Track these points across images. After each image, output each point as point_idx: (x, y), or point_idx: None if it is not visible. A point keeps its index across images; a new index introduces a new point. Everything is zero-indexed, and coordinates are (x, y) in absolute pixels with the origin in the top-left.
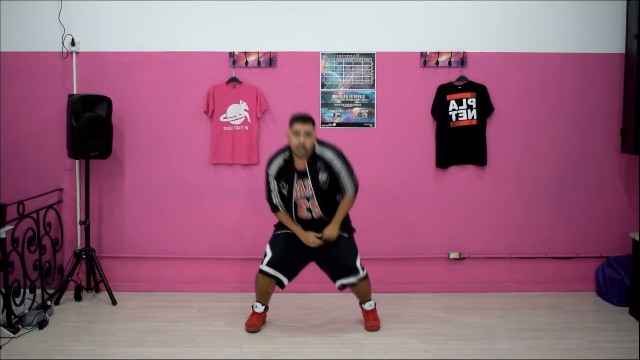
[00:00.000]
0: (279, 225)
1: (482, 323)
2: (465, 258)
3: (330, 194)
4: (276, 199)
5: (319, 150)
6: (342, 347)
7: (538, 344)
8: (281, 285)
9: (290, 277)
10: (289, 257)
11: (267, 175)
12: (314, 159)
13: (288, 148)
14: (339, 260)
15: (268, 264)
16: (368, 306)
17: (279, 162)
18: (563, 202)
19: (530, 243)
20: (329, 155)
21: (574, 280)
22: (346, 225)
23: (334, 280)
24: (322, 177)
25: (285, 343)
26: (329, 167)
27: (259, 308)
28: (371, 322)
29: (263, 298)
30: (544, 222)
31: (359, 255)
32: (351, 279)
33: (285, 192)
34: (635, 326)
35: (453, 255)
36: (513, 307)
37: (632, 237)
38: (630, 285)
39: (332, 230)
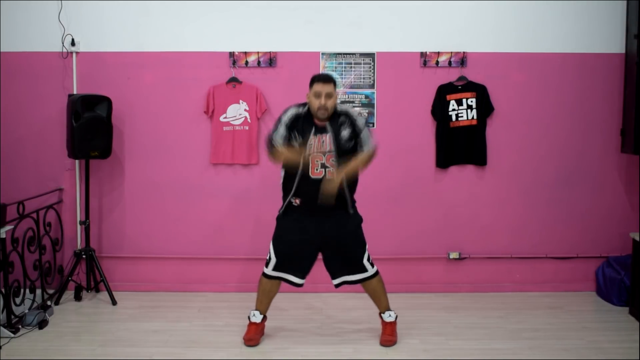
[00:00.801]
0: (282, 217)
1: (482, 323)
2: (465, 258)
3: (348, 152)
4: (279, 141)
5: (340, 108)
6: (342, 347)
7: (538, 344)
8: (295, 284)
9: (303, 275)
10: (296, 256)
11: (279, 120)
12: (336, 116)
13: (306, 105)
14: (351, 255)
15: (274, 269)
16: (388, 317)
17: (296, 111)
18: (563, 202)
19: (530, 243)
20: (353, 112)
21: (574, 280)
22: (355, 213)
23: (336, 276)
24: (345, 133)
25: (285, 343)
26: (352, 125)
27: (257, 317)
28: (387, 336)
29: (264, 301)
30: (543, 222)
31: (367, 250)
32: (356, 277)
33: (295, 144)
34: (635, 326)
35: (453, 255)
36: (513, 307)
37: (632, 237)
38: (630, 285)
39: (332, 184)
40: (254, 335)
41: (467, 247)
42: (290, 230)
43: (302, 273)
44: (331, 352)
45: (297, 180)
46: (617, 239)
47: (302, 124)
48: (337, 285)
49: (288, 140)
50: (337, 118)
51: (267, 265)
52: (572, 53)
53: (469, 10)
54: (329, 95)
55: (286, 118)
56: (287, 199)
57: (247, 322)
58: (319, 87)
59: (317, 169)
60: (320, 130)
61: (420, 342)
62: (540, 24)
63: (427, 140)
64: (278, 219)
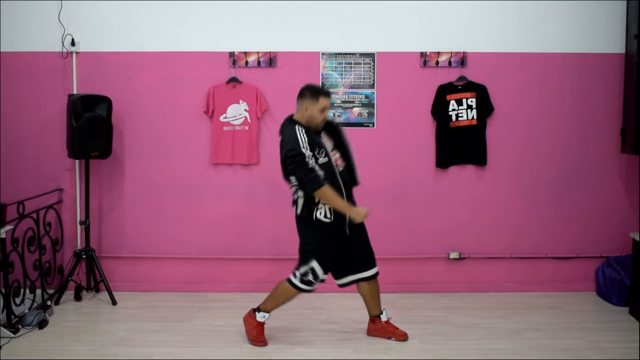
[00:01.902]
0: (320, 227)
1: (482, 323)
2: (465, 258)
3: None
4: (319, 172)
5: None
6: (342, 347)
7: (538, 344)
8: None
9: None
10: (332, 263)
11: (299, 154)
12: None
13: (296, 122)
14: (365, 247)
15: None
16: (385, 316)
17: (302, 132)
18: (563, 202)
19: (530, 243)
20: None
21: (574, 280)
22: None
23: (349, 273)
24: (336, 135)
25: (285, 343)
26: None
27: (266, 317)
28: (400, 331)
29: (279, 306)
30: (544, 222)
31: None
32: (370, 272)
33: (323, 159)
34: (635, 326)
35: (453, 255)
36: (513, 307)
37: (632, 237)
38: (630, 285)
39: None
40: (263, 335)
41: (467, 247)
42: (329, 243)
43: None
44: (331, 352)
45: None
46: (617, 239)
47: (314, 140)
48: (347, 284)
49: (316, 161)
50: (329, 124)
51: (309, 281)
52: (572, 53)
53: (469, 10)
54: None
55: (304, 144)
56: (320, 212)
57: (254, 322)
58: (326, 102)
59: (340, 169)
60: (322, 139)
61: (420, 342)
62: (540, 24)
63: (427, 140)
64: (317, 235)
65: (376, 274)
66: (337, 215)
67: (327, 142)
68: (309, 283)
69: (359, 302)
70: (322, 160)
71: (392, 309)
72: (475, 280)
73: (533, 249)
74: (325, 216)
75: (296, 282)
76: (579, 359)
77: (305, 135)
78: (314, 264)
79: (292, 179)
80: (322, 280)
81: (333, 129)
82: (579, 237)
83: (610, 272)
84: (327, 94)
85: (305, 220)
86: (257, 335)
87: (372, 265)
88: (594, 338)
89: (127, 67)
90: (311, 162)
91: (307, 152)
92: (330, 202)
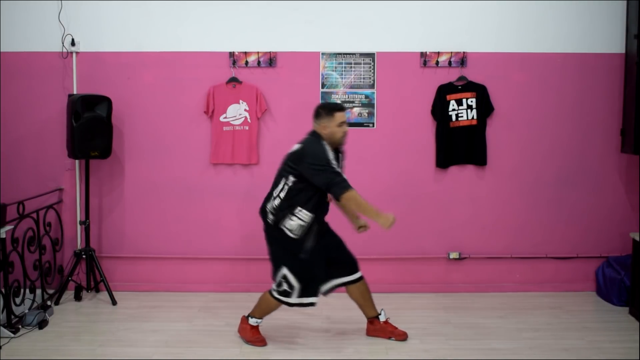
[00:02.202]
0: (285, 241)
1: (482, 323)
2: (465, 258)
3: None
4: (344, 178)
5: None
6: (342, 347)
7: (538, 344)
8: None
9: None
10: (317, 276)
11: (327, 160)
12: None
13: (319, 136)
14: (341, 252)
15: (300, 296)
16: (384, 316)
17: (328, 148)
18: (563, 202)
19: (530, 243)
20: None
21: (574, 280)
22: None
23: (331, 278)
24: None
25: (285, 343)
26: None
27: (259, 321)
28: (399, 330)
29: (267, 314)
30: (544, 222)
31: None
32: (354, 276)
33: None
34: (635, 326)
35: (453, 255)
36: (513, 307)
37: (632, 237)
38: (630, 285)
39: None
40: (261, 335)
41: (467, 247)
42: (311, 256)
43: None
44: (331, 352)
45: (321, 204)
46: (617, 239)
47: (336, 156)
48: (331, 289)
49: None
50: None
51: (288, 294)
52: (572, 53)
53: (469, 10)
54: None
55: (330, 156)
56: (310, 223)
57: (247, 326)
58: (342, 116)
59: None
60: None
61: (420, 342)
62: (540, 24)
63: (427, 140)
64: (301, 246)
65: (361, 277)
66: (305, 235)
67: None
68: (284, 293)
69: None
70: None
71: (392, 308)
72: (475, 280)
73: (533, 249)
74: (292, 232)
75: (274, 294)
76: (579, 359)
77: (330, 153)
78: (285, 271)
79: (291, 178)
80: (305, 296)
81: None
82: (579, 237)
83: (610, 272)
84: (342, 109)
85: (272, 229)
86: (253, 335)
87: (355, 269)
88: (594, 338)
89: (127, 67)
90: (337, 169)
91: (334, 162)
92: (361, 205)
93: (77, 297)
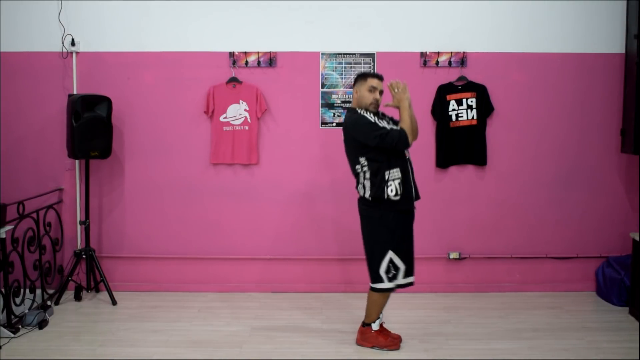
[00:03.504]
0: (390, 217)
1: (482, 323)
2: (465, 258)
3: None
4: (393, 126)
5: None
6: (342, 347)
7: (538, 344)
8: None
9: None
10: (412, 254)
11: (372, 123)
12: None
13: (354, 109)
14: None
15: (406, 275)
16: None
17: (364, 112)
18: (563, 202)
19: (530, 243)
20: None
21: (574, 280)
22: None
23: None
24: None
25: (285, 343)
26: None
27: (379, 320)
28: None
29: (382, 310)
30: (544, 222)
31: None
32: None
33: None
34: (635, 326)
35: (453, 255)
36: (513, 307)
37: (632, 237)
38: (630, 285)
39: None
40: (391, 335)
41: (467, 247)
42: (406, 231)
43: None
44: (331, 352)
45: (399, 156)
46: (617, 239)
47: (381, 116)
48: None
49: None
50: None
51: (395, 277)
52: (572, 53)
53: (469, 10)
54: (381, 92)
55: (369, 119)
56: (403, 176)
57: (372, 333)
58: (375, 82)
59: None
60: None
61: (420, 342)
62: (540, 24)
63: (427, 140)
64: (389, 220)
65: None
66: (405, 190)
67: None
68: (393, 278)
69: (359, 302)
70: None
71: (393, 308)
72: (475, 280)
73: (533, 249)
74: (396, 194)
75: (378, 286)
76: (578, 359)
77: (368, 113)
78: (391, 255)
79: (362, 160)
80: (408, 276)
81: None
82: (579, 237)
83: (610, 272)
84: (377, 76)
85: (374, 203)
86: (386, 339)
87: None
88: (594, 338)
89: (127, 67)
90: (387, 125)
91: (380, 123)
92: (412, 122)
93: (77, 297)
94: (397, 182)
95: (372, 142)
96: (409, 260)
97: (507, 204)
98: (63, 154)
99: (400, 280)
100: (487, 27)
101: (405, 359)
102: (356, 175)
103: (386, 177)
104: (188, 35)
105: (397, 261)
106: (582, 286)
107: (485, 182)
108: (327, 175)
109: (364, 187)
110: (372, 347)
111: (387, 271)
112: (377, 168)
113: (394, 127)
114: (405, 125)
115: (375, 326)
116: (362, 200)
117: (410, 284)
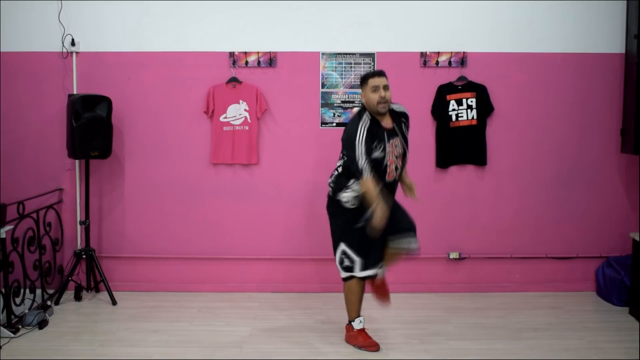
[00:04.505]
0: (341, 213)
1: (482, 323)
2: (465, 258)
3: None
4: (366, 164)
5: (393, 105)
6: (342, 347)
7: (538, 344)
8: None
9: (381, 265)
10: (374, 248)
11: (357, 139)
12: (395, 114)
13: (364, 110)
14: (403, 215)
15: (363, 269)
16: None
17: (366, 122)
18: (563, 202)
19: (530, 243)
20: (403, 108)
21: (574, 280)
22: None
23: (397, 239)
24: (405, 130)
25: (286, 343)
26: (406, 123)
27: (362, 322)
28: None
29: (359, 306)
30: (543, 222)
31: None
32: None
33: (378, 154)
34: (635, 326)
35: (453, 255)
36: (513, 307)
37: (632, 237)
38: (630, 285)
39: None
40: (371, 338)
41: (467, 247)
42: (359, 226)
43: (380, 262)
44: (331, 352)
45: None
46: (617, 239)
47: (377, 132)
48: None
49: (370, 155)
50: (398, 118)
51: (351, 268)
52: (572, 53)
53: (469, 10)
54: (386, 88)
55: (363, 132)
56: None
57: (353, 332)
58: (375, 81)
59: (392, 172)
60: (392, 134)
61: (420, 342)
62: (540, 24)
63: (427, 140)
64: (359, 215)
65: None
66: (362, 207)
67: (398, 136)
68: (348, 269)
69: None
70: (376, 154)
71: (392, 308)
72: (475, 280)
73: (533, 249)
74: (347, 201)
75: (342, 275)
76: (578, 359)
77: (365, 130)
78: (344, 247)
79: (343, 158)
80: (366, 270)
81: (400, 120)
82: (579, 237)
83: (610, 272)
84: (377, 74)
85: (331, 201)
86: (364, 340)
87: (411, 230)
88: (594, 338)
89: (127, 67)
90: (362, 149)
91: (364, 145)
92: (367, 192)
93: (77, 297)
94: (353, 194)
95: (345, 153)
96: (365, 253)
97: (507, 203)
98: (63, 154)
99: (358, 272)
100: (487, 27)
101: (405, 359)
102: (336, 168)
103: (348, 183)
104: (188, 35)
105: (351, 253)
106: (582, 286)
107: (485, 182)
108: (327, 175)
109: (331, 182)
110: (353, 345)
111: (341, 262)
112: (347, 171)
113: (369, 158)
114: (367, 192)
115: (356, 325)
116: (329, 185)
117: (370, 277)
